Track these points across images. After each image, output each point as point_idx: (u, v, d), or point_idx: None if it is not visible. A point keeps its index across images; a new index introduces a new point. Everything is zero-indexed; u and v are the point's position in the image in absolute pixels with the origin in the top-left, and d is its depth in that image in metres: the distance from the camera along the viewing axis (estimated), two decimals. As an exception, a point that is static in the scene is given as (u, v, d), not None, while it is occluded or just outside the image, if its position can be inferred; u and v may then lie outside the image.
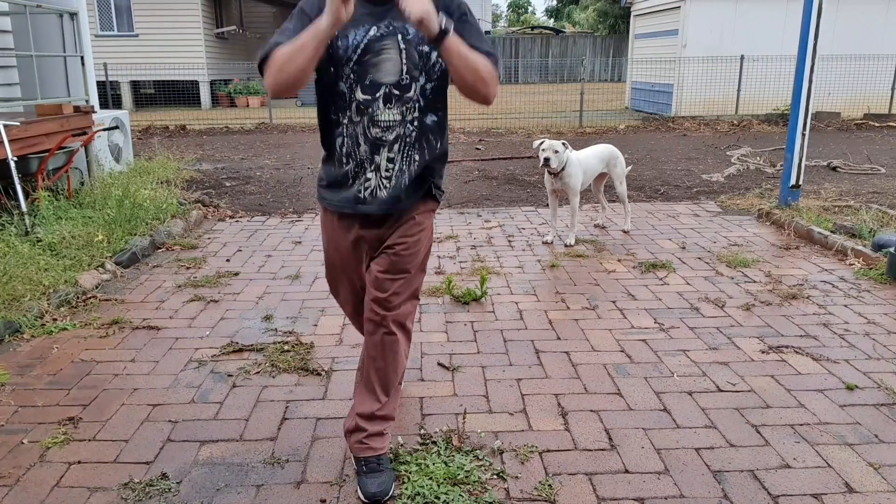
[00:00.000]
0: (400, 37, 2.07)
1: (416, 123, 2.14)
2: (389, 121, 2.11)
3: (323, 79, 2.13)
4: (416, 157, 2.17)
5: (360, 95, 2.09)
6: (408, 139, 2.14)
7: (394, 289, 2.22)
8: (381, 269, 2.23)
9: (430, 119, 2.18)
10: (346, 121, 2.13)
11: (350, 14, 1.87)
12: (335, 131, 2.17)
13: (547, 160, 4.66)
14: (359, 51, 2.06)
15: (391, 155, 2.14)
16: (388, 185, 2.16)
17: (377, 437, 2.28)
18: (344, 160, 2.17)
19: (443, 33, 1.92)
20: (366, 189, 2.17)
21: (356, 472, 2.26)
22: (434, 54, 2.10)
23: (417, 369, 3.06)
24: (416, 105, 2.13)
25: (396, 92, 2.09)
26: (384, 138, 2.12)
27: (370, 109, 2.10)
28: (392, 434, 2.49)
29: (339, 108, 2.14)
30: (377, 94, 2.09)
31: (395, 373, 2.31)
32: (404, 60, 2.08)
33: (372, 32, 2.06)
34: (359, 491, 2.19)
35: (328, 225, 2.33)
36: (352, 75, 2.08)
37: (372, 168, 2.15)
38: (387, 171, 2.15)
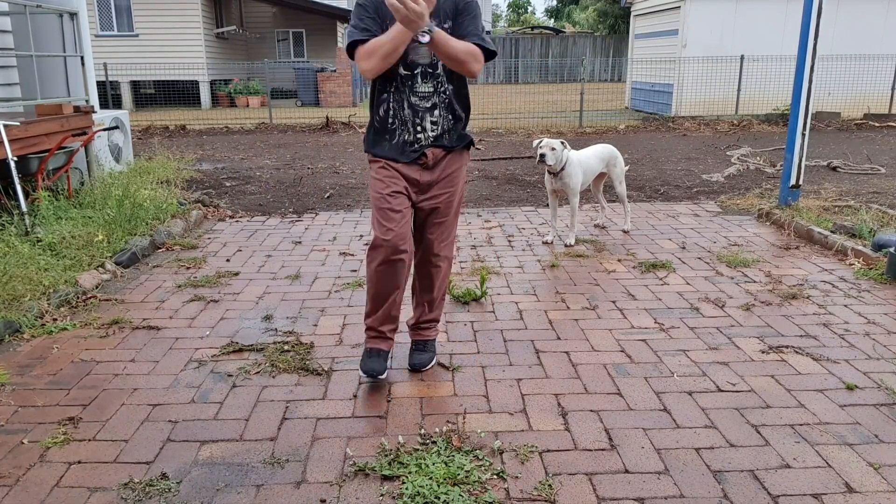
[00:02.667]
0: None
1: (447, 92, 2.81)
2: (426, 92, 2.77)
3: None
4: (451, 116, 2.85)
5: (402, 71, 2.73)
6: (442, 105, 2.81)
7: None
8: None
9: (454, 85, 2.83)
10: (391, 90, 2.76)
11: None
12: (381, 97, 2.79)
13: (543, 156, 4.67)
14: None
15: (433, 118, 2.81)
16: (431, 138, 2.83)
17: (428, 330, 3.13)
18: (389, 121, 2.81)
19: (426, 34, 2.51)
20: (416, 142, 2.82)
21: (410, 351, 3.10)
22: None
23: (417, 369, 3.06)
24: (444, 77, 2.78)
25: (430, 70, 2.75)
26: (422, 105, 2.78)
27: (410, 82, 2.75)
28: (392, 434, 2.51)
29: (387, 80, 2.74)
30: (415, 71, 2.75)
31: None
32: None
33: None
34: (409, 361, 3.07)
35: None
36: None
37: (418, 128, 2.79)
38: (432, 129, 2.82)
